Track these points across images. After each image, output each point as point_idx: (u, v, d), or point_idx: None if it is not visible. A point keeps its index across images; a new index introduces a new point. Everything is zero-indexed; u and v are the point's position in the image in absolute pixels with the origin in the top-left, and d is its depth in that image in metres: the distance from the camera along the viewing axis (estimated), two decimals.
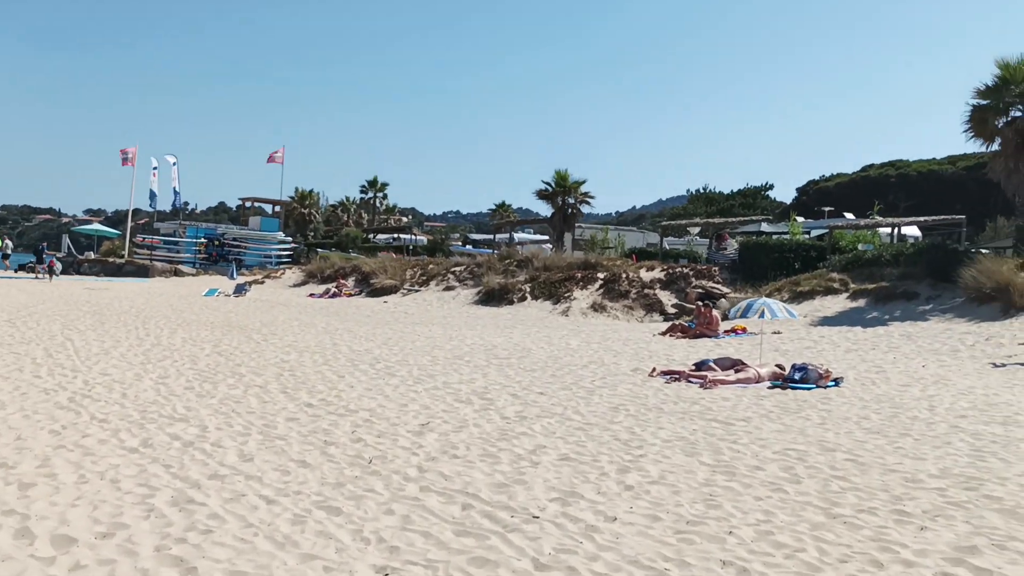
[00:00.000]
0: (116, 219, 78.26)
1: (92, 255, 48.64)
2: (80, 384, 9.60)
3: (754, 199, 60.09)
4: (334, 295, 31.36)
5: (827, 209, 43.89)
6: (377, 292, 31.49)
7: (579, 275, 28.29)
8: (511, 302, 27.43)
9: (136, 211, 60.39)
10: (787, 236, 30.72)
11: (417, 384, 10.76)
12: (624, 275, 27.69)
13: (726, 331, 19.82)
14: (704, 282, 27.05)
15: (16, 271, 40.43)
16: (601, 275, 28.06)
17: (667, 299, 26.41)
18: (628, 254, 34.99)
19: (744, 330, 19.96)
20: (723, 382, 11.68)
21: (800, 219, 32.50)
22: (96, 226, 56.92)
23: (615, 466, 6.60)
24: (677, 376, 12.14)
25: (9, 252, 44.53)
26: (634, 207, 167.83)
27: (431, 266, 33.41)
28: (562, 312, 25.54)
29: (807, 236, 31.47)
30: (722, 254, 31.30)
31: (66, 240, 47.60)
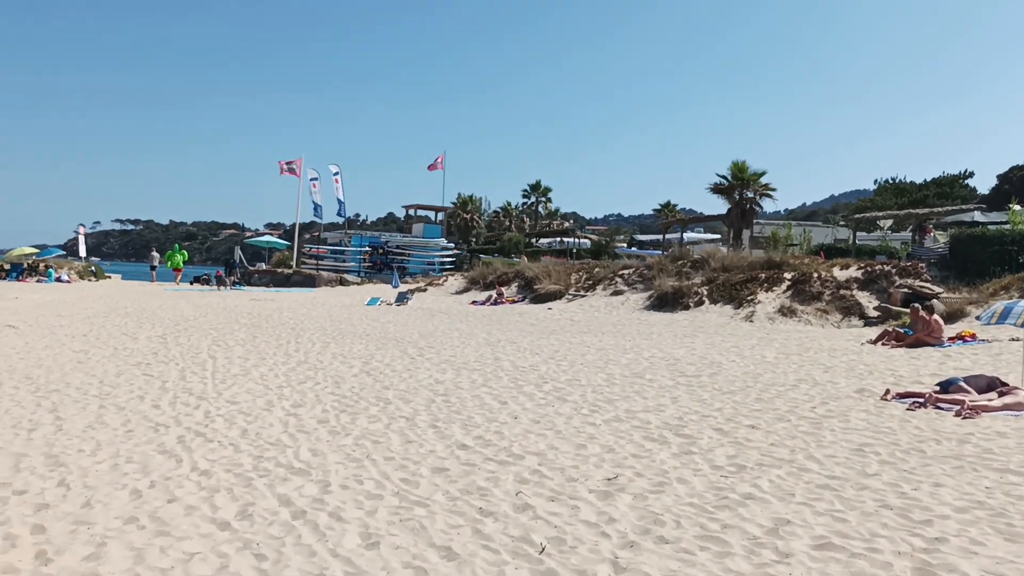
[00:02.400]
0: (293, 231, 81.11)
1: (264, 266, 49.57)
2: (200, 417, 8.20)
3: (951, 188, 54.50)
4: (496, 302, 29.88)
5: None
6: (541, 298, 29.75)
7: (763, 275, 25.50)
8: (687, 307, 25.00)
9: (312, 223, 61.66)
10: (1007, 226, 26.69)
11: (594, 413, 8.76)
12: (815, 274, 24.70)
13: (951, 338, 16.77)
14: (910, 281, 23.66)
15: (191, 283, 41.43)
16: (788, 275, 25.18)
17: (867, 301, 23.25)
18: (815, 251, 31.76)
19: (973, 336, 16.85)
20: (986, 409, 9.06)
21: (1017, 207, 28.31)
22: (268, 238, 58.30)
23: (907, 562, 4.37)
24: (920, 400, 9.59)
25: (157, 264, 46.29)
26: (804, 204, 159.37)
27: (597, 269, 31.37)
28: (745, 317, 22.90)
29: None
30: (928, 249, 27.65)
31: (238, 252, 48.67)
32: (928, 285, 23.22)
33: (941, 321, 16.95)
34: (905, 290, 22.77)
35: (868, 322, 21.83)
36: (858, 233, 37.41)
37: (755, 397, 10.06)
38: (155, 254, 47.87)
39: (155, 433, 7.35)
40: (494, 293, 31.03)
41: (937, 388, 10.08)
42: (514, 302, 30.19)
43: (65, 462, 6.18)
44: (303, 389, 10.09)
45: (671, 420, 8.44)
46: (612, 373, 12.12)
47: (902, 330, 17.33)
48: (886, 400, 9.89)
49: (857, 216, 36.22)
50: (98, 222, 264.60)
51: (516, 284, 32.93)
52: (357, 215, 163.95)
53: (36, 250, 41.26)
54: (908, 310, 21.38)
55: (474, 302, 30.76)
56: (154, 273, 44.80)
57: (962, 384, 9.96)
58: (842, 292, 23.73)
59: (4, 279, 38.43)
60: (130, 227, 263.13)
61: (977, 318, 18.70)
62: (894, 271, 24.44)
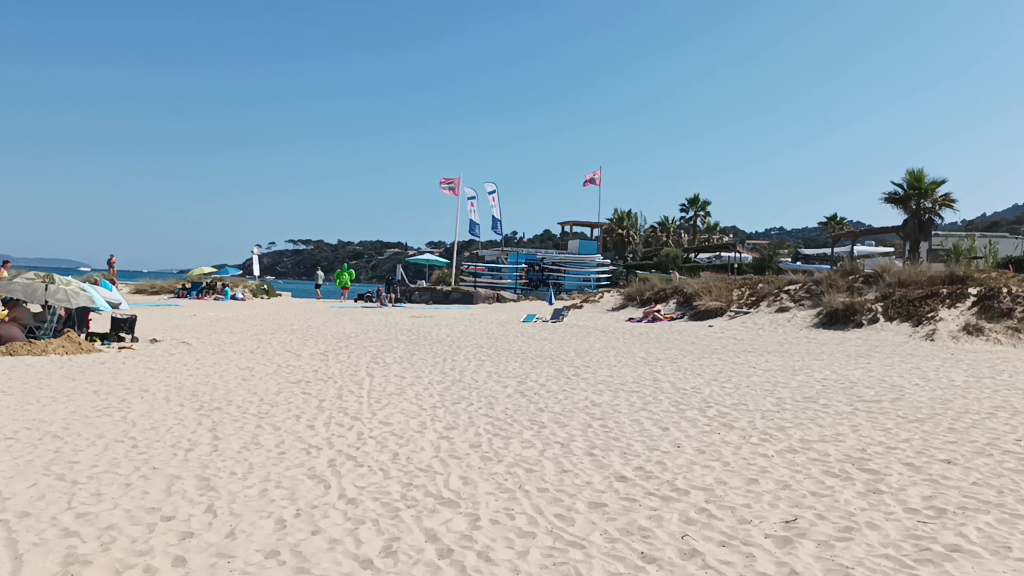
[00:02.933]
0: (453, 249, 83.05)
1: (424, 284, 50.63)
2: (352, 438, 8.07)
3: None
4: (654, 319, 29.12)
5: None
6: (701, 315, 28.76)
7: (944, 291, 23.64)
8: (859, 324, 23.46)
9: (472, 241, 62.69)
10: None
11: (765, 443, 8.07)
12: (1004, 289, 22.67)
13: None
14: None
15: (356, 300, 42.74)
16: (973, 290, 23.23)
17: None
18: (1003, 264, 29.31)
19: None
20: None
21: None
22: (428, 256, 59.50)
23: None
24: None
25: (322, 282, 48.56)
26: (984, 214, 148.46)
27: (760, 285, 30.05)
28: (926, 336, 21.21)
29: None
30: None
31: (399, 270, 49.91)
32: None
33: None
34: None
35: None
36: None
37: (947, 427, 9.07)
38: (320, 273, 50.04)
39: (307, 456, 7.25)
40: (652, 310, 30.27)
41: None
42: (672, 319, 29.34)
43: (216, 486, 6.12)
44: (456, 410, 9.88)
45: (853, 452, 7.66)
46: (782, 397, 11.31)
47: None
48: None
49: None
50: (273, 242, 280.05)
51: (674, 300, 32.04)
52: (514, 232, 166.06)
53: (214, 269, 43.73)
54: None
55: (631, 319, 30.10)
56: (318, 291, 46.96)
57: None
58: None
59: (185, 297, 40.86)
60: (302, 247, 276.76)
61: None
62: None
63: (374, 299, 40.23)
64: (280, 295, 47.85)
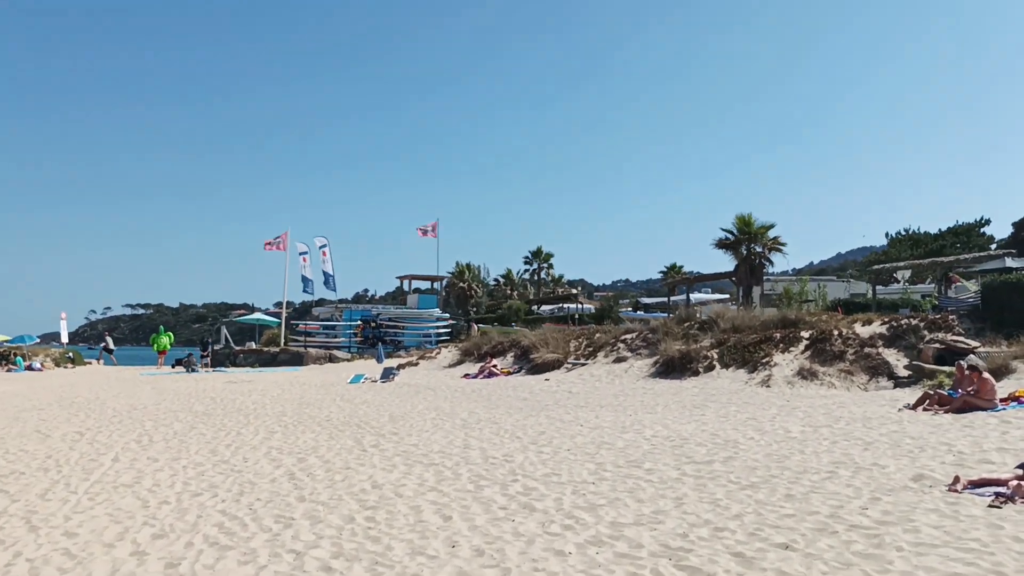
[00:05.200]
0: (303, 310, 79.15)
1: (254, 345, 47.42)
2: (22, 571, 5.84)
3: (968, 236, 52.25)
4: (490, 374, 27.53)
5: None
6: (538, 368, 27.39)
7: (778, 335, 23.15)
8: (696, 372, 22.60)
9: (322, 300, 59.69)
10: None
11: (567, 532, 6.41)
12: (835, 332, 22.36)
13: (1003, 399, 14.38)
14: (942, 335, 21.29)
15: (173, 366, 39.26)
16: (806, 333, 22.83)
17: (895, 359, 20.87)
18: (831, 307, 29.45)
19: None
20: None
21: None
22: (258, 315, 56.14)
23: None
24: (1004, 492, 7.23)
25: (112, 347, 45.99)
26: (812, 263, 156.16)
27: (598, 335, 29.03)
28: (761, 382, 20.49)
29: None
30: (956, 299, 25.32)
31: (224, 332, 46.58)
32: (962, 339, 20.84)
33: (992, 380, 14.55)
34: (937, 345, 20.41)
35: (899, 383, 19.46)
36: (876, 287, 35.10)
37: (783, 493, 7.71)
38: (108, 338, 47.69)
39: None
40: (487, 365, 28.69)
41: (1021, 473, 7.71)
42: (509, 374, 27.86)
43: None
44: (190, 505, 7.73)
45: (672, 539, 6.09)
46: (603, 462, 9.78)
47: (945, 392, 14.96)
48: (956, 491, 7.53)
49: (875, 267, 33.94)
50: (109, 307, 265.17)
51: (512, 354, 30.63)
52: (365, 290, 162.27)
53: (7, 337, 39.24)
54: (942, 368, 19.03)
55: (466, 375, 28.44)
56: (112, 356, 43.85)
57: None
58: (867, 350, 21.37)
59: None
60: (140, 311, 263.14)
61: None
62: (922, 325, 22.09)
63: (193, 365, 36.93)
64: (89, 363, 43.56)
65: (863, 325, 22.87)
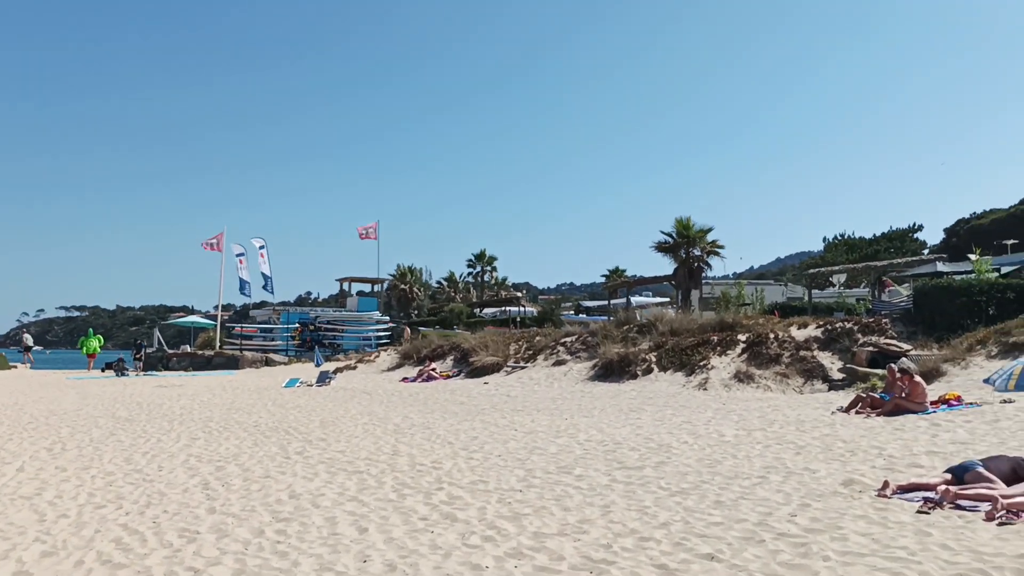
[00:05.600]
0: (244, 312, 77.46)
1: (188, 348, 46.27)
2: None
3: (902, 242, 53.32)
4: (429, 378, 27.15)
5: (1010, 243, 37.34)
6: (477, 372, 27.10)
7: (715, 338, 23.20)
8: (634, 375, 22.53)
9: (264, 302, 58.50)
10: (973, 276, 24.84)
11: (486, 544, 6.13)
12: (772, 335, 22.47)
13: (933, 402, 14.49)
14: (875, 338, 21.54)
15: (103, 370, 38.08)
16: (743, 337, 22.91)
17: (829, 362, 21.05)
18: (769, 311, 29.68)
19: (959, 399, 14.59)
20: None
21: (975, 256, 26.68)
22: (193, 318, 54.79)
23: None
24: (932, 497, 7.14)
25: (31, 345, 44.71)
26: (752, 267, 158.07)
27: (538, 338, 28.84)
28: (699, 385, 20.48)
29: (997, 275, 25.52)
30: (889, 303, 25.67)
31: (156, 334, 45.41)
32: (895, 342, 21.12)
33: (923, 383, 14.65)
34: (870, 348, 20.64)
35: (833, 385, 19.63)
36: (813, 291, 35.54)
37: (713, 499, 7.54)
38: (27, 335, 46.04)
39: None
40: (427, 368, 28.30)
41: (949, 477, 7.64)
42: (448, 377, 27.52)
43: None
44: (87, 519, 7.23)
45: (595, 550, 5.85)
46: (533, 469, 9.53)
47: (877, 395, 15.03)
48: (886, 496, 7.43)
49: (811, 271, 34.36)
50: (41, 310, 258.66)
51: (452, 357, 30.29)
52: (308, 293, 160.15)
53: None
54: (875, 371, 19.20)
55: (404, 379, 27.99)
56: (28, 355, 42.39)
57: (982, 471, 7.53)
58: (802, 353, 21.52)
59: None
60: (75, 314, 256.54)
61: (987, 381, 16.51)
62: (856, 328, 22.33)
63: (123, 368, 35.83)
64: (15, 366, 42.02)
65: (799, 328, 23.05)
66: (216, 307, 46.66)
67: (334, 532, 6.56)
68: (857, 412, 14.31)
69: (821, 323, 23.21)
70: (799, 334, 22.49)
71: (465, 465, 9.93)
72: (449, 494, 8.10)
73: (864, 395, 15.11)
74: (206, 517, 7.21)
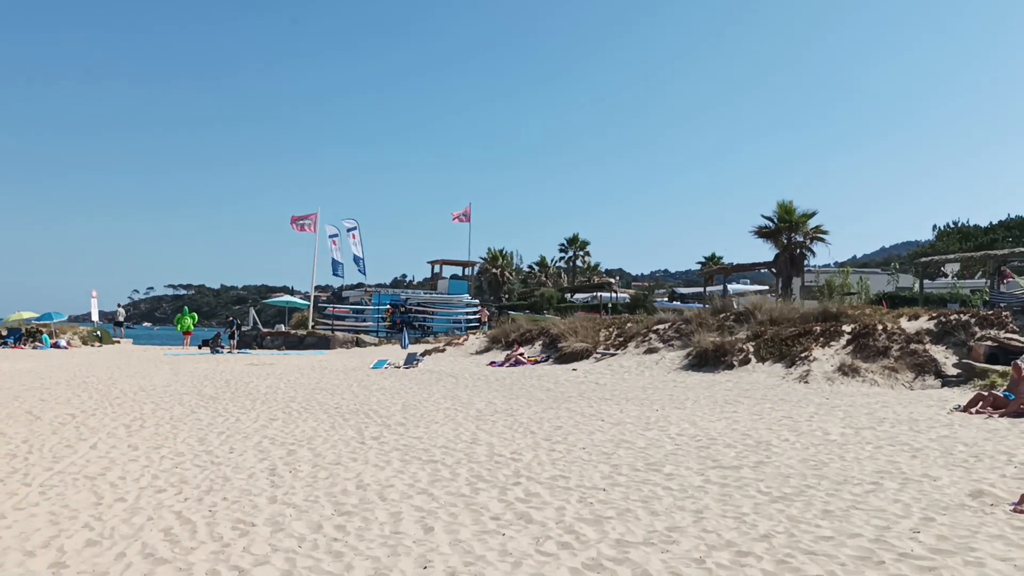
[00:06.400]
0: (341, 293, 78.86)
1: (283, 327, 46.97)
2: None
3: (1021, 231, 50.01)
4: (516, 362, 26.62)
5: None
6: (566, 358, 26.44)
7: (818, 328, 21.97)
8: (730, 366, 21.50)
9: (360, 284, 59.16)
10: None
11: (563, 551, 5.47)
12: (880, 326, 21.10)
13: None
14: (994, 332, 19.97)
15: (199, 347, 38.91)
16: (848, 327, 21.61)
17: (943, 357, 19.58)
18: (875, 301, 28.10)
19: None
20: None
21: None
22: (287, 298, 55.65)
23: None
24: None
25: (122, 320, 46.95)
26: (854, 256, 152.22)
27: (629, 325, 27.98)
28: (799, 378, 19.34)
29: None
30: (1010, 295, 23.90)
31: (252, 313, 46.16)
32: (1017, 337, 19.53)
33: None
34: (989, 343, 19.11)
35: (946, 382, 18.22)
36: (923, 281, 33.58)
37: (820, 508, 6.71)
38: (120, 311, 48.11)
39: None
40: (514, 353, 27.78)
41: None
42: (536, 362, 26.92)
43: None
44: (143, 504, 6.86)
45: (685, 566, 5.14)
46: (619, 464, 8.83)
47: (1000, 393, 13.78)
48: (1021, 511, 6.48)
49: (923, 260, 32.41)
50: (151, 288, 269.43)
51: (540, 342, 29.69)
52: (404, 275, 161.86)
53: (35, 314, 39.08)
54: (994, 367, 17.79)
55: (492, 363, 27.55)
56: (121, 330, 45.10)
57: None
58: (912, 347, 20.09)
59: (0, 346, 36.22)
60: (182, 292, 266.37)
61: None
62: (973, 321, 20.76)
63: (218, 346, 36.49)
64: (117, 342, 43.36)
65: (909, 320, 21.62)
66: (319, 288, 47.27)
67: (396, 530, 6.01)
68: (977, 412, 13.15)
69: (934, 315, 21.70)
70: (909, 326, 21.07)
71: (546, 457, 9.29)
72: (526, 490, 7.48)
73: (985, 393, 13.88)
74: (265, 507, 6.76)
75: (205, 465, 8.71)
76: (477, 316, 43.28)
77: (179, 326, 41.19)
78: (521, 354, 27.61)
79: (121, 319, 46.67)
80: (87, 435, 10.85)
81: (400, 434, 11.28)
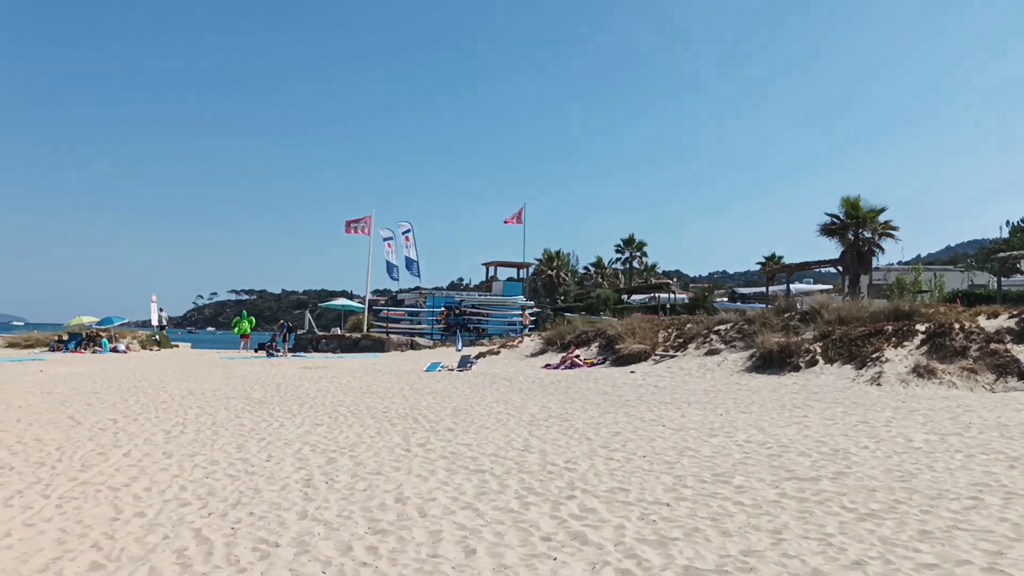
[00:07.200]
0: (400, 297, 78.86)
1: (339, 331, 46.85)
2: None
3: None
4: (572, 365, 25.88)
5: None
6: (623, 360, 25.61)
7: (889, 328, 20.83)
8: (796, 367, 20.48)
9: (417, 288, 59.02)
10: None
11: None
12: (956, 325, 19.90)
13: None
14: None
15: (256, 350, 38.93)
16: (922, 327, 20.44)
17: None
18: (950, 299, 26.74)
19: None
20: None
21: None
22: (343, 301, 55.61)
23: None
24: None
25: (164, 323, 47.36)
26: (919, 255, 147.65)
27: (689, 325, 27.03)
28: (871, 380, 18.27)
29: None
30: None
31: (307, 317, 46.11)
32: None
33: None
34: None
35: None
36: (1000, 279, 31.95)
37: (916, 528, 5.90)
38: (162, 314, 48.24)
39: None
40: (570, 355, 27.04)
41: None
42: (592, 364, 26.15)
43: None
44: (163, 520, 6.33)
45: None
46: (683, 475, 8.07)
47: None
48: None
49: (1001, 255, 30.80)
50: (215, 293, 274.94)
51: (597, 344, 28.89)
52: (460, 279, 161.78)
53: (95, 319, 39.49)
54: None
55: (547, 365, 26.84)
56: (164, 333, 45.66)
57: None
58: (993, 346, 18.87)
59: (61, 350, 36.61)
60: (244, 297, 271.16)
61: None
62: None
63: (274, 349, 36.40)
64: (177, 346, 43.71)
65: (988, 318, 20.37)
66: (377, 292, 47.15)
67: (434, 553, 5.35)
68: None
69: (1015, 312, 20.42)
70: (988, 325, 19.84)
71: (603, 467, 8.58)
72: (581, 505, 6.78)
73: None
74: (293, 524, 6.17)
75: (238, 475, 8.17)
76: (533, 318, 42.60)
77: (236, 329, 41.30)
78: (577, 356, 26.87)
79: (163, 323, 47.51)
80: (123, 441, 10.43)
81: (448, 440, 10.67)
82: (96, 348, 36.75)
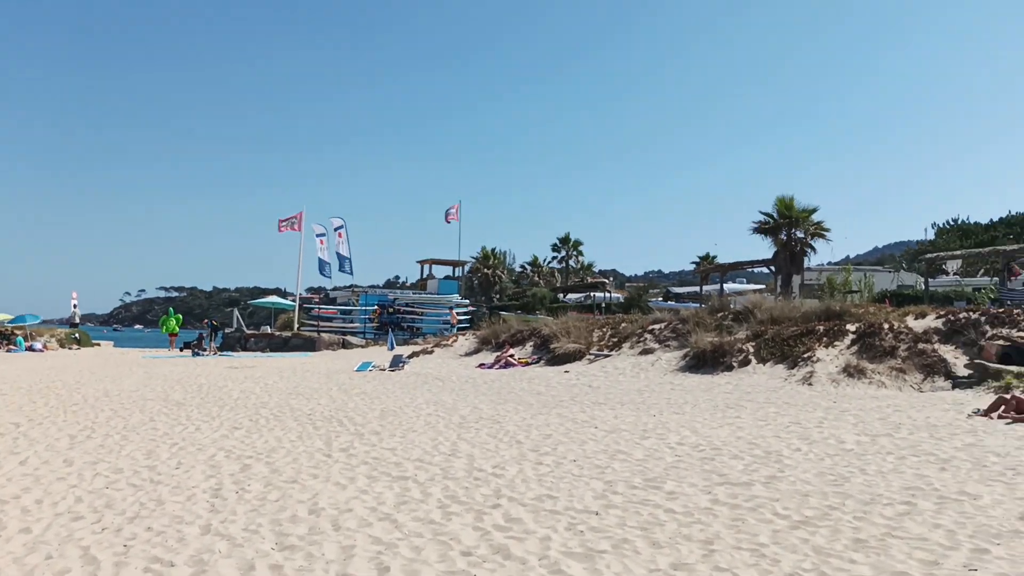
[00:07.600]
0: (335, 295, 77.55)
1: (269, 329, 45.83)
2: None
3: (1023, 227, 49.04)
4: (507, 364, 25.58)
5: None
6: (558, 359, 25.40)
7: (821, 328, 20.98)
8: (729, 367, 20.49)
9: (352, 285, 58.05)
10: None
11: None
12: (886, 325, 20.12)
13: None
14: (1006, 331, 19.03)
15: (181, 349, 37.81)
16: (852, 326, 20.62)
17: (952, 357, 18.60)
18: (879, 299, 27.13)
19: None
20: None
21: None
22: (273, 299, 54.42)
23: None
24: None
25: (77, 320, 47.04)
26: (848, 256, 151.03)
27: (624, 325, 26.94)
28: (803, 380, 18.34)
29: None
30: (1019, 292, 22.97)
31: (236, 314, 45.02)
32: None
33: None
34: (1002, 342, 18.15)
35: (957, 383, 17.24)
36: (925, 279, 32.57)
37: (851, 536, 5.69)
38: (76, 313, 47.22)
39: None
40: (504, 354, 26.74)
41: None
42: (527, 364, 25.89)
43: None
44: (48, 538, 5.80)
45: None
46: (613, 480, 7.80)
47: (1022, 395, 12.79)
48: None
49: (928, 256, 31.42)
50: (143, 290, 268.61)
51: (532, 343, 28.64)
52: (397, 277, 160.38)
53: (9, 317, 37.93)
54: (1008, 367, 16.82)
55: (481, 365, 26.50)
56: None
57: None
58: (921, 346, 19.10)
59: None
60: (174, 294, 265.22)
61: None
62: (983, 320, 19.79)
63: (200, 348, 35.37)
64: (99, 344, 42.24)
65: (916, 318, 20.64)
66: (311, 289, 46.21)
67: (343, 573, 4.94)
68: (1000, 416, 12.15)
69: (942, 313, 20.73)
70: (917, 325, 20.10)
71: (532, 473, 8.26)
72: (506, 514, 6.44)
73: (1008, 396, 12.87)
74: (194, 540, 5.70)
75: (142, 484, 7.64)
76: (468, 317, 42.22)
77: (164, 328, 40.09)
78: (512, 355, 26.59)
79: (76, 321, 46.32)
80: (23, 448, 9.77)
81: (372, 444, 10.24)
82: (11, 347, 35.27)
